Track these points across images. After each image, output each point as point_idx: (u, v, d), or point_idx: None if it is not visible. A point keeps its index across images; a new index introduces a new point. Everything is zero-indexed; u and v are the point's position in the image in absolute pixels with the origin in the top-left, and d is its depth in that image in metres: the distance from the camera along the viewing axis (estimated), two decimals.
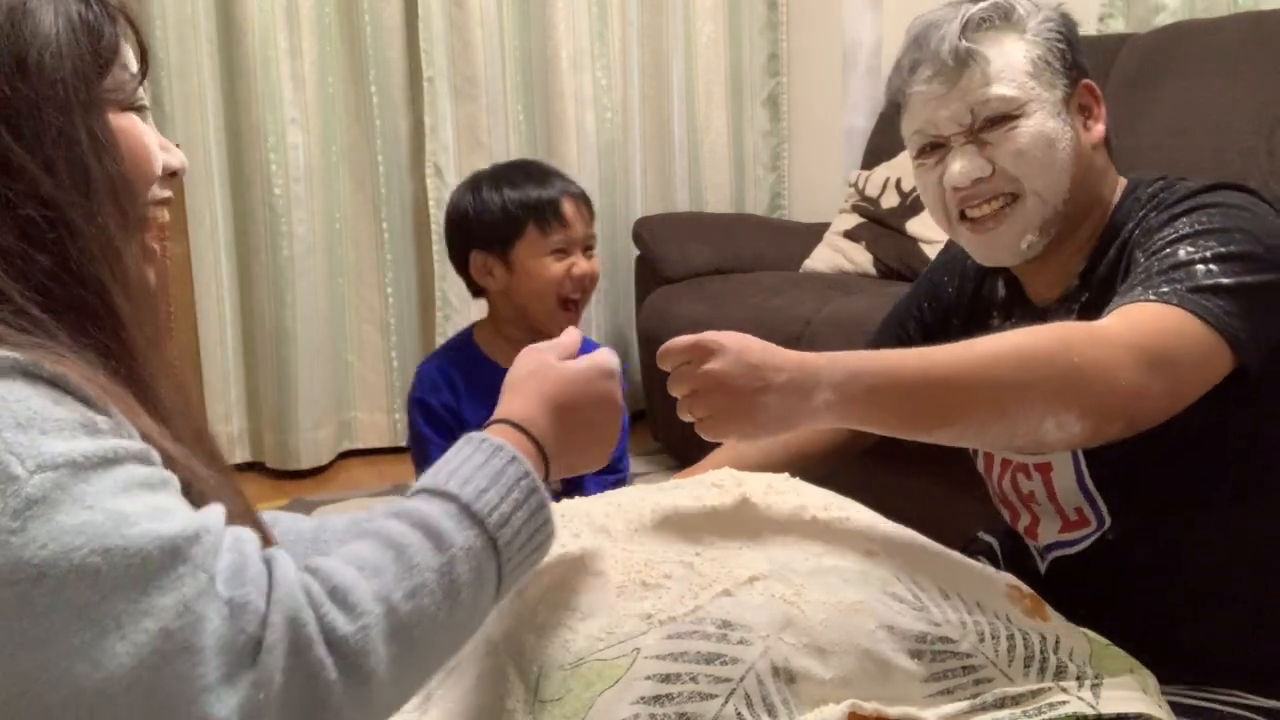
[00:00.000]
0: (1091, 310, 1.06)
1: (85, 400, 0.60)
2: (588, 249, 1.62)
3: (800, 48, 3.46)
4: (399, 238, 3.07)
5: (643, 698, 0.74)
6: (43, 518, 0.53)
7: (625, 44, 3.22)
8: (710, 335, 0.86)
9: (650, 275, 2.96)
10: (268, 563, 0.59)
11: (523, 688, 0.83)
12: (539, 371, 0.82)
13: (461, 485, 0.68)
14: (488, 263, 1.62)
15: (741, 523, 0.90)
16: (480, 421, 1.68)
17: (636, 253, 3.04)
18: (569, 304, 1.61)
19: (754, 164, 3.50)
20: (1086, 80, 1.10)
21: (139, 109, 0.74)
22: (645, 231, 2.99)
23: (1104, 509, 1.06)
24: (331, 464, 3.01)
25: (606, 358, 0.85)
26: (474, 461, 0.70)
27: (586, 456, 0.84)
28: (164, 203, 0.77)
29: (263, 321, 2.90)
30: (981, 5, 1.07)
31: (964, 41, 1.05)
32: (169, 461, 0.63)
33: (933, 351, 0.89)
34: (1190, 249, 0.95)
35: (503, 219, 1.59)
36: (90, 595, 0.53)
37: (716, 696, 0.74)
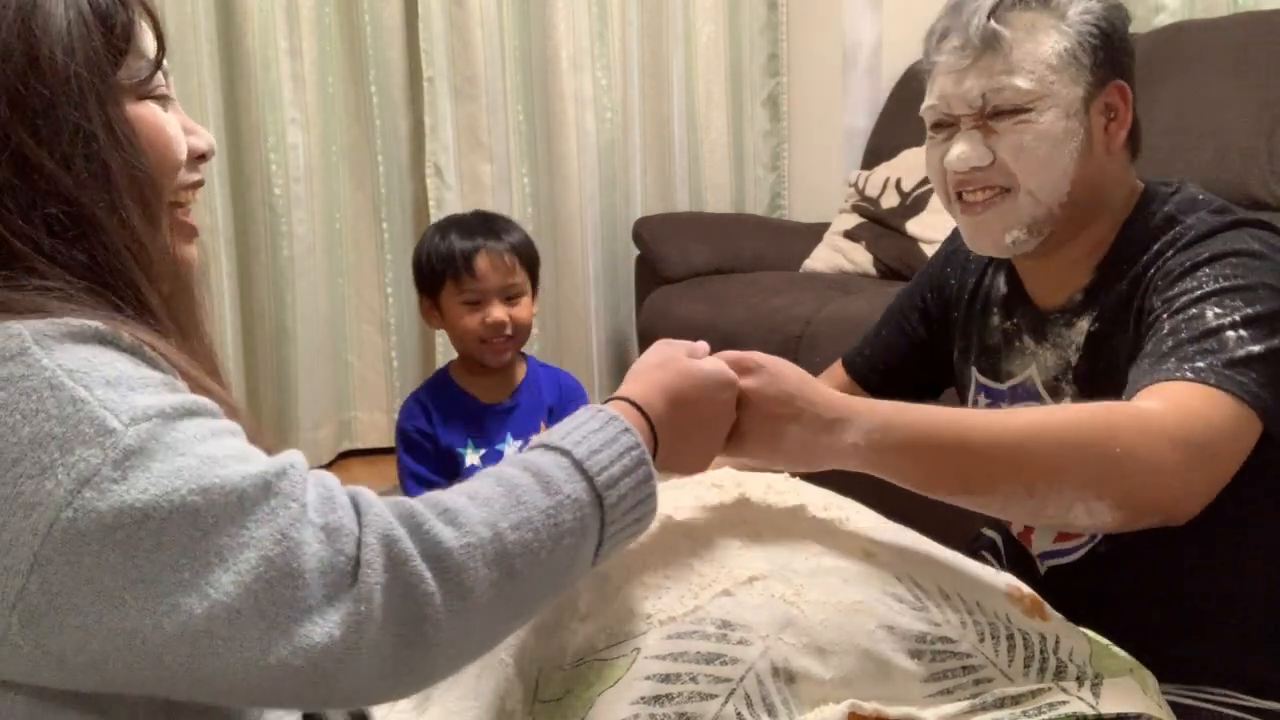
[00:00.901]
0: (1099, 341, 1.05)
1: (158, 367, 0.63)
2: (510, 298, 1.77)
3: (800, 48, 3.46)
4: (399, 238, 3.07)
5: (643, 698, 0.74)
6: (142, 466, 0.56)
7: (625, 44, 3.22)
8: (753, 354, 0.86)
9: (650, 275, 2.96)
10: (352, 495, 0.62)
11: (522, 688, 0.83)
12: (666, 364, 0.83)
13: (575, 444, 0.70)
14: (426, 305, 1.83)
15: (741, 523, 0.90)
16: (454, 442, 1.72)
17: (636, 253, 3.04)
18: (493, 342, 1.76)
19: (754, 164, 3.50)
20: (1120, 81, 1.06)
21: (159, 96, 0.73)
22: (645, 231, 2.99)
23: None
24: (331, 464, 3.01)
25: (727, 370, 0.84)
26: (589, 426, 0.72)
27: (689, 456, 0.84)
28: (195, 186, 0.77)
29: (263, 321, 2.90)
30: None
31: (993, 22, 1.02)
32: (232, 416, 0.66)
33: (970, 415, 0.88)
34: (1218, 309, 0.93)
35: (429, 270, 1.79)
36: (193, 532, 0.56)
37: (716, 696, 0.74)
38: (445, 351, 2.98)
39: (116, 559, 0.55)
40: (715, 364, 0.84)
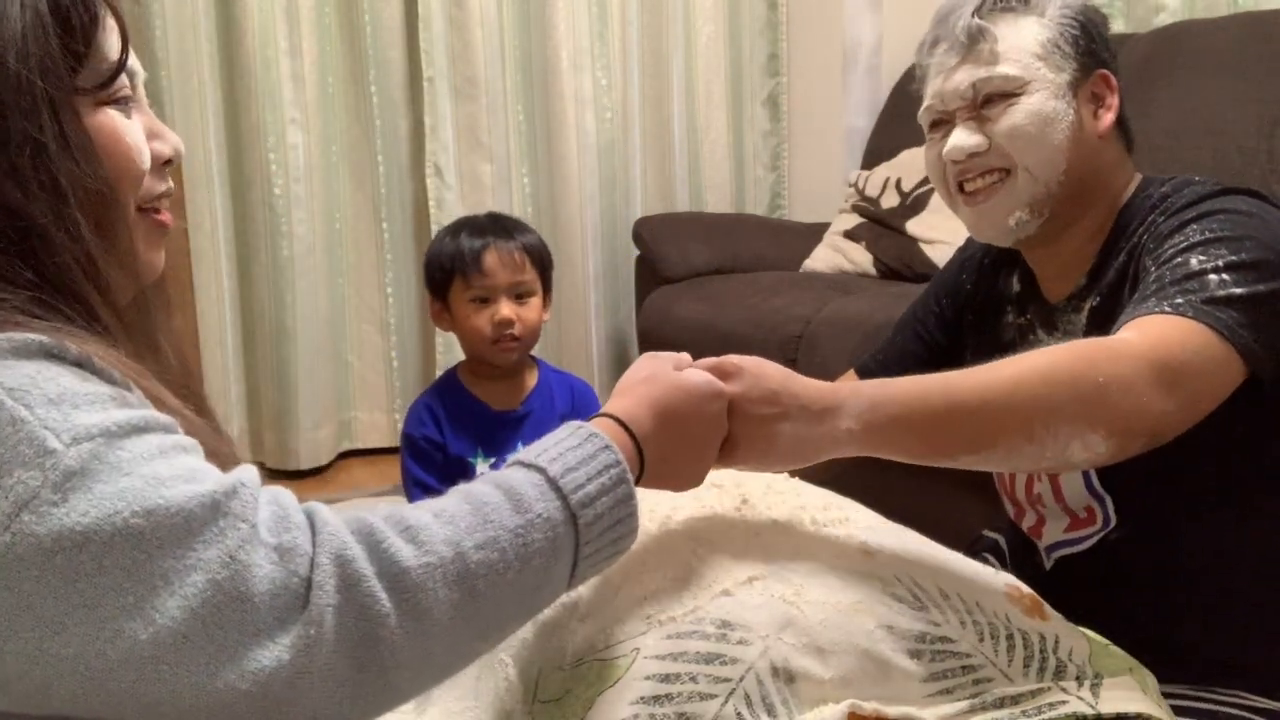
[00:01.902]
0: (1100, 315, 1.07)
1: (109, 379, 0.61)
2: (519, 296, 1.76)
3: (800, 48, 3.46)
4: (399, 238, 3.07)
5: (642, 698, 0.74)
6: (83, 488, 0.54)
7: (625, 44, 3.22)
8: (730, 358, 0.84)
9: (650, 275, 2.96)
10: (308, 513, 0.60)
11: (522, 688, 0.83)
12: (653, 378, 0.80)
13: (550, 461, 0.68)
14: (436, 307, 1.81)
15: (741, 522, 0.90)
16: (463, 451, 1.72)
17: (636, 253, 3.04)
18: (502, 341, 1.75)
19: (754, 164, 3.50)
20: (1104, 70, 1.11)
21: (120, 100, 0.70)
22: (645, 231, 2.99)
23: (1111, 509, 1.07)
24: (331, 464, 3.01)
25: (716, 381, 0.81)
26: (567, 443, 0.70)
27: (682, 471, 0.81)
28: (162, 196, 0.75)
29: (263, 321, 2.90)
30: None
31: (976, 19, 1.08)
32: (189, 431, 0.64)
33: (955, 377, 0.88)
34: (1202, 257, 0.94)
35: (439, 269, 1.78)
36: (136, 555, 0.54)
37: (716, 696, 0.74)
38: (445, 351, 2.98)
39: (57, 584, 0.53)
40: (703, 375, 0.81)
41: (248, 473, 0.61)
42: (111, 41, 0.70)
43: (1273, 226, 0.97)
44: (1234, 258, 0.94)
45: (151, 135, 0.73)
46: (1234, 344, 0.90)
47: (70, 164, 0.65)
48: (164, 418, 0.61)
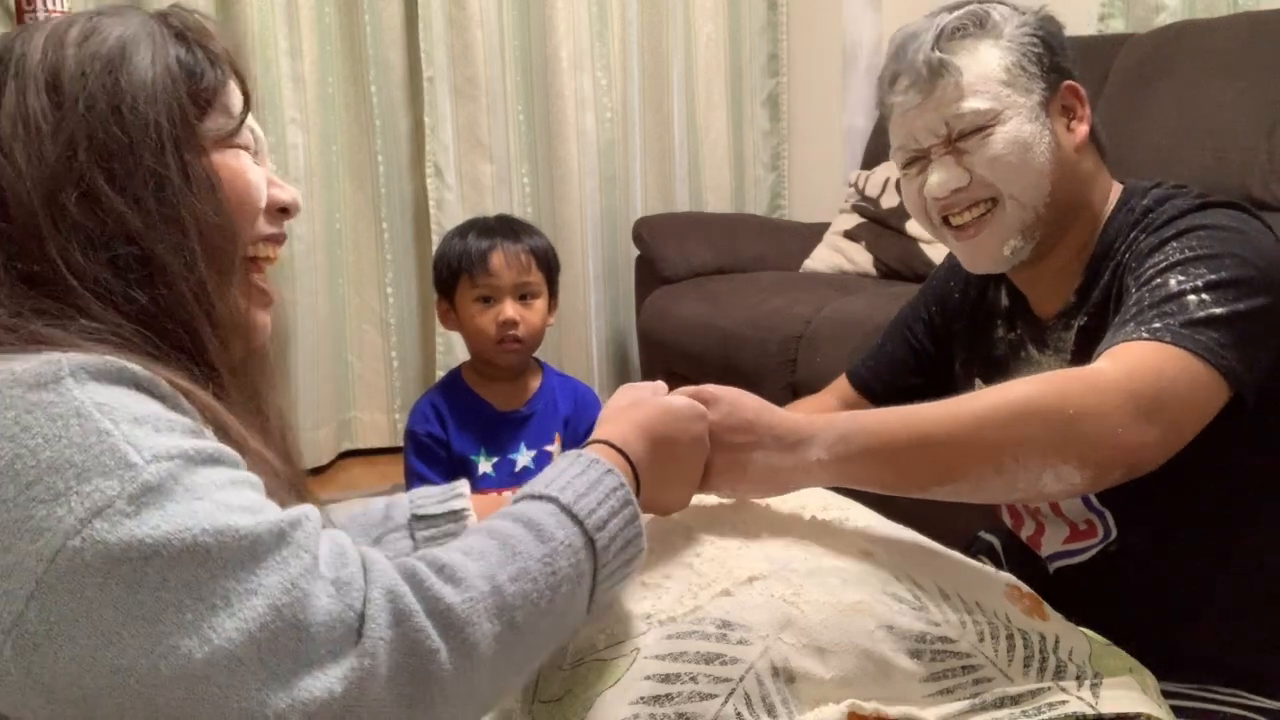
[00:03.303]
0: (1088, 334, 1.06)
1: (188, 414, 0.63)
2: (524, 297, 1.77)
3: (800, 48, 3.46)
4: (399, 238, 3.07)
5: (642, 698, 0.74)
6: (157, 504, 0.55)
7: (625, 44, 3.22)
8: (707, 387, 0.87)
9: (650, 275, 2.96)
10: (361, 552, 0.62)
11: (522, 688, 0.83)
12: (638, 404, 0.83)
13: (561, 490, 0.70)
14: (443, 306, 1.82)
15: (741, 523, 0.90)
16: (466, 450, 1.72)
17: (636, 253, 3.04)
18: (505, 341, 1.76)
19: (754, 164, 3.50)
20: (1069, 82, 1.09)
21: (243, 147, 0.75)
22: (645, 231, 2.99)
23: (1112, 522, 1.06)
24: (331, 464, 3.01)
25: (697, 403, 0.85)
26: (571, 471, 0.72)
27: (671, 492, 0.84)
28: (273, 239, 0.79)
29: None
30: (957, 14, 1.07)
31: (937, 52, 1.05)
32: (269, 476, 0.66)
33: (925, 409, 0.88)
34: (1181, 278, 0.93)
35: (446, 268, 1.79)
36: (200, 573, 0.55)
37: (716, 696, 0.74)
38: (445, 352, 2.98)
39: (119, 593, 0.54)
40: (684, 399, 0.84)
41: (309, 509, 0.62)
42: (235, 101, 0.75)
43: (1254, 240, 0.96)
44: (1213, 276, 0.92)
45: (270, 184, 0.77)
46: (1215, 366, 0.89)
47: (192, 198, 0.69)
48: (232, 453, 0.63)
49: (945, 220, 1.10)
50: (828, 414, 0.90)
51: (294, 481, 0.74)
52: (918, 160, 1.11)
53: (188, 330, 0.68)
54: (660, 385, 0.88)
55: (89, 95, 0.67)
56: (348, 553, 0.60)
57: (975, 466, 0.86)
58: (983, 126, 1.05)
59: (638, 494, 0.77)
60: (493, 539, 0.65)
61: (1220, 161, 2.13)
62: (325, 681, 0.55)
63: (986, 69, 1.05)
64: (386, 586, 0.59)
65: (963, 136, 1.06)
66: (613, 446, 0.78)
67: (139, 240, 0.67)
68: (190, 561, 0.55)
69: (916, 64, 1.06)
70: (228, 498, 0.58)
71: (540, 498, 0.69)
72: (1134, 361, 0.89)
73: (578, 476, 0.71)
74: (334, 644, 0.56)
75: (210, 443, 0.61)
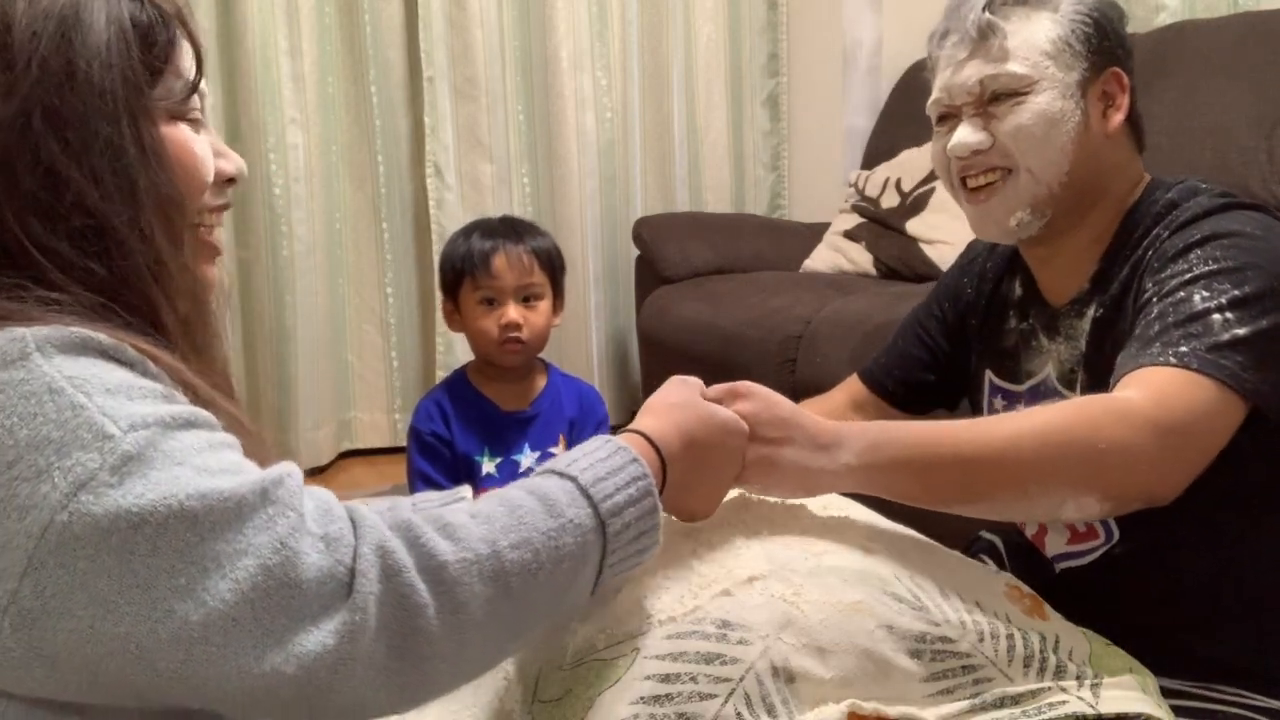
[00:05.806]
0: (1103, 326, 1.06)
1: (158, 379, 0.63)
2: (527, 299, 1.77)
3: (800, 48, 3.46)
4: (399, 238, 3.07)
5: (642, 698, 0.74)
6: (139, 472, 0.56)
7: (625, 44, 3.22)
8: (743, 382, 0.88)
9: (650, 275, 2.96)
10: (348, 508, 0.63)
11: (522, 688, 0.83)
12: (685, 406, 0.83)
13: (582, 470, 0.71)
14: (448, 307, 1.83)
15: (741, 522, 0.90)
16: (470, 449, 1.72)
17: (636, 253, 3.04)
18: (508, 343, 1.76)
19: (754, 164, 3.50)
20: (1116, 69, 1.09)
21: (192, 120, 0.74)
22: (645, 231, 2.99)
23: (1114, 525, 1.06)
24: (331, 464, 3.01)
25: (740, 420, 0.85)
26: (597, 455, 0.73)
27: (697, 498, 0.84)
28: (220, 208, 0.78)
29: (263, 321, 2.90)
30: None
31: (988, 14, 1.07)
32: (239, 433, 0.66)
33: (958, 427, 0.90)
34: (1205, 293, 0.94)
35: (450, 269, 1.80)
36: (189, 537, 0.56)
37: (716, 696, 0.74)
38: (446, 352, 2.98)
39: (111, 563, 0.55)
40: (729, 412, 0.84)
41: (290, 466, 0.63)
42: (186, 62, 0.73)
43: (1277, 247, 0.97)
44: (1237, 292, 0.93)
45: (217, 154, 0.76)
46: (1239, 391, 0.90)
47: (145, 169, 0.68)
48: (208, 416, 0.63)
49: (963, 182, 1.11)
50: (861, 421, 0.90)
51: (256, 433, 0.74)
52: (949, 118, 1.12)
53: (144, 299, 0.68)
54: (698, 382, 0.88)
55: (41, 58, 0.64)
56: (334, 509, 0.61)
57: (1001, 489, 0.88)
58: (1017, 92, 1.06)
59: (663, 491, 0.77)
60: (502, 506, 0.67)
61: (1220, 161, 2.13)
62: (319, 635, 0.57)
63: (1034, 37, 1.06)
64: (376, 542, 0.60)
65: (995, 100, 1.07)
66: (648, 439, 0.78)
67: (96, 212, 0.65)
68: (178, 526, 0.55)
69: (967, 23, 1.08)
70: (207, 461, 0.59)
71: (560, 474, 0.70)
72: (1164, 391, 0.90)
73: (601, 460, 0.72)
74: (325, 599, 0.58)
75: (184, 407, 0.61)
